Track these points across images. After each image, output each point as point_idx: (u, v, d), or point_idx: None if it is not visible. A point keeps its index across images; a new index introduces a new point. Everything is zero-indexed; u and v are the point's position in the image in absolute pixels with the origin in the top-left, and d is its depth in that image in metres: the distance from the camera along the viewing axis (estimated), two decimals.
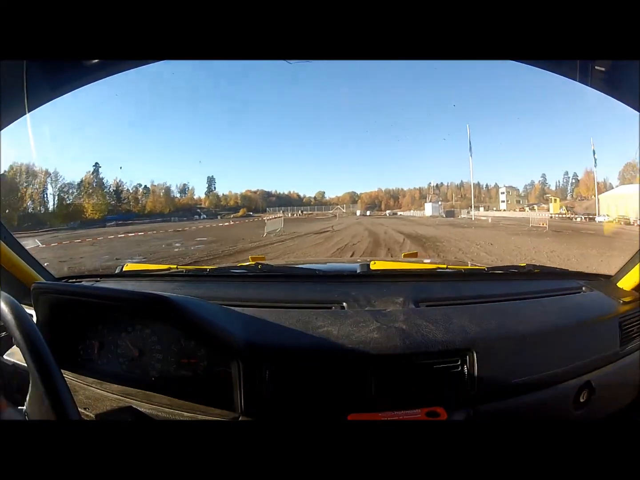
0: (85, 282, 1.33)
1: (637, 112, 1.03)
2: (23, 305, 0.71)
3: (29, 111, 1.07)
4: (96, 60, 1.05)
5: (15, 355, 1.07)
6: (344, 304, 1.03)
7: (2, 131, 1.10)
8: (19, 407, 0.71)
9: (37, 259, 1.33)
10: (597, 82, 1.07)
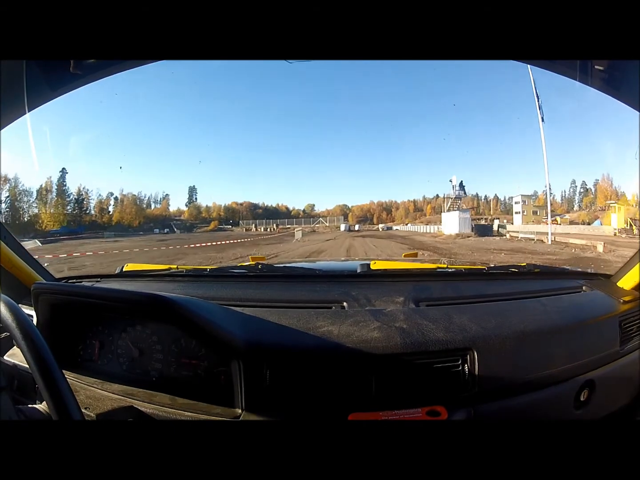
0: (85, 283, 1.33)
1: (637, 112, 1.03)
2: (23, 305, 0.71)
3: (29, 111, 1.07)
4: (96, 61, 1.04)
5: (16, 357, 1.07)
6: (344, 303, 1.03)
7: (1, 131, 1.10)
8: (30, 406, 0.71)
9: (37, 260, 1.33)
10: (598, 82, 1.07)
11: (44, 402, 0.61)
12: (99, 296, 0.92)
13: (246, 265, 1.43)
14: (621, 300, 1.17)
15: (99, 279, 1.36)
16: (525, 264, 1.37)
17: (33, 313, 0.99)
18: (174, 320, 0.88)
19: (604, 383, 1.00)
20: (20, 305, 0.73)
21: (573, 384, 0.95)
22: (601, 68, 1.04)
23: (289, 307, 1.01)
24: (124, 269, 1.44)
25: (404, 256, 2.01)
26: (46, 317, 0.97)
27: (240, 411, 0.83)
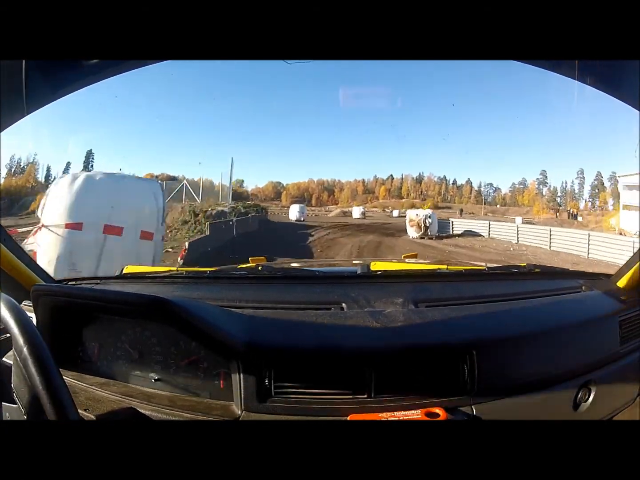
0: (84, 285, 1.32)
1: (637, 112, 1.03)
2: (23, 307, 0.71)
3: (28, 112, 1.06)
4: (96, 61, 1.04)
5: None
6: (343, 304, 1.03)
7: (1, 132, 1.09)
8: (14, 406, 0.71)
9: (37, 262, 1.33)
10: (598, 82, 1.07)
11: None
12: (98, 298, 0.91)
13: (246, 266, 1.43)
14: (621, 300, 1.17)
15: (98, 281, 1.36)
16: (525, 264, 1.37)
17: (33, 315, 0.99)
18: (173, 322, 0.88)
19: (604, 383, 1.00)
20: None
21: (573, 384, 0.95)
22: (601, 69, 1.04)
23: (288, 309, 1.01)
24: (123, 271, 1.44)
25: (404, 257, 2.01)
26: (46, 319, 0.97)
27: (239, 412, 0.83)
